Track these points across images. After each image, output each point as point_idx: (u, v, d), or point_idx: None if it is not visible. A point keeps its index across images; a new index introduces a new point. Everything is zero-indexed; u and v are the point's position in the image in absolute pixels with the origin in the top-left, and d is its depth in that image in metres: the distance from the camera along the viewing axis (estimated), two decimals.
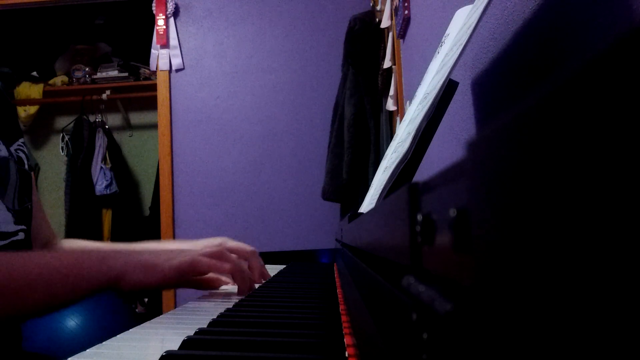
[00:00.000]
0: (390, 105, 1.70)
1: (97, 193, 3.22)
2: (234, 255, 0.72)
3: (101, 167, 3.26)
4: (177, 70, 2.67)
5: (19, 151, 0.85)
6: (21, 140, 0.87)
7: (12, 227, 0.79)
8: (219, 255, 0.69)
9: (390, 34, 1.73)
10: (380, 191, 0.66)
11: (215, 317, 0.52)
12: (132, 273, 0.62)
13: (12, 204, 0.80)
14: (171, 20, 2.68)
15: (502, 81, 0.65)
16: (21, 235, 0.81)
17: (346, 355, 0.38)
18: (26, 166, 0.86)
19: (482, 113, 0.75)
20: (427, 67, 0.72)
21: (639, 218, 0.06)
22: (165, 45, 2.67)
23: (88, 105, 3.36)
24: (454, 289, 0.14)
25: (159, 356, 0.36)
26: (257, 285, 0.85)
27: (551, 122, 0.08)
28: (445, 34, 0.68)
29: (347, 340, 0.42)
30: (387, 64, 1.74)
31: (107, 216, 3.31)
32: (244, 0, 2.67)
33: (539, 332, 0.09)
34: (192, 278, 0.68)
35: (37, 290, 0.60)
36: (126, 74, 3.36)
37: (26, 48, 3.54)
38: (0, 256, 0.61)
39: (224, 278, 0.77)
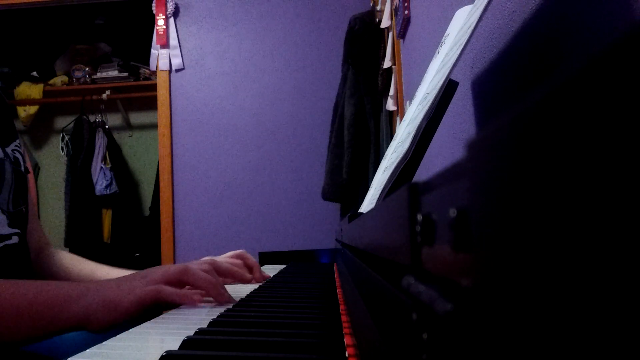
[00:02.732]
0: (390, 105, 1.70)
1: (97, 193, 3.22)
2: (201, 274, 0.65)
3: (101, 167, 3.26)
4: (177, 70, 2.67)
5: (15, 152, 0.84)
6: (17, 141, 0.86)
7: (6, 230, 0.77)
8: (182, 274, 0.64)
9: (390, 34, 1.73)
10: (380, 191, 0.66)
11: (215, 317, 0.52)
12: (96, 314, 0.59)
13: (7, 205, 0.78)
14: (171, 20, 2.68)
15: (502, 81, 0.65)
16: (15, 239, 0.78)
17: (346, 355, 0.38)
18: (22, 167, 0.84)
19: (482, 113, 0.75)
20: (427, 67, 0.72)
21: (638, 218, 0.06)
22: (165, 45, 2.67)
23: (88, 105, 3.36)
24: (454, 289, 0.14)
25: (159, 356, 0.36)
26: (257, 285, 0.85)
27: (551, 123, 0.08)
28: (445, 34, 0.68)
29: (347, 340, 0.42)
30: (387, 64, 1.74)
31: (107, 216, 3.31)
32: (244, 0, 2.67)
33: (538, 332, 0.09)
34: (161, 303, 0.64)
35: None
36: (126, 74, 3.36)
37: (26, 48, 3.54)
38: None
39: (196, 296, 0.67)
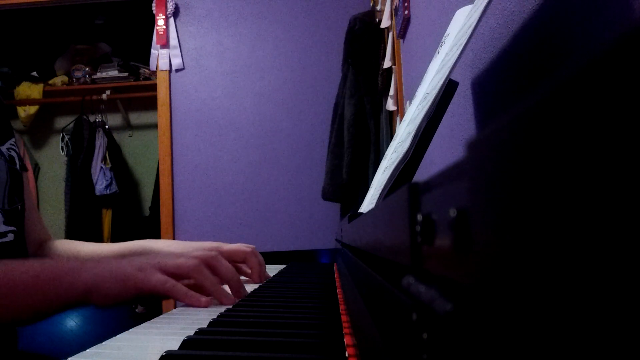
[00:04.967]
0: (390, 105, 1.70)
1: (97, 193, 3.22)
2: (212, 277, 0.65)
3: (101, 167, 3.26)
4: (177, 70, 2.67)
5: (10, 150, 0.84)
6: (13, 139, 0.86)
7: (1, 228, 0.77)
8: (194, 272, 0.63)
9: (390, 34, 1.73)
10: (380, 191, 0.66)
11: (215, 317, 0.52)
12: (103, 285, 0.58)
13: (2, 203, 0.78)
14: (171, 20, 2.68)
15: (502, 81, 0.65)
16: (10, 237, 0.78)
17: (346, 355, 0.38)
18: (17, 166, 0.85)
19: (482, 113, 0.75)
20: (427, 67, 0.72)
21: (639, 218, 0.06)
22: (165, 45, 2.67)
23: (88, 105, 3.36)
24: (454, 289, 0.14)
25: (159, 356, 0.36)
26: (257, 285, 0.85)
27: (551, 123, 0.08)
28: (445, 34, 0.68)
29: (347, 340, 0.42)
30: (387, 64, 1.74)
31: (107, 216, 3.31)
32: (244, 0, 2.67)
33: (538, 331, 0.09)
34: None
35: None
36: (126, 74, 3.36)
37: (26, 48, 3.54)
38: None
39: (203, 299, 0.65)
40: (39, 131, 3.58)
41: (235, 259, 0.92)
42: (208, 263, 0.66)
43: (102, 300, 0.59)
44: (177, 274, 0.62)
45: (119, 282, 0.58)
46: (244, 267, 0.95)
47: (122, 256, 0.84)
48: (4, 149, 0.82)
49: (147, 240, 0.93)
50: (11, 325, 0.58)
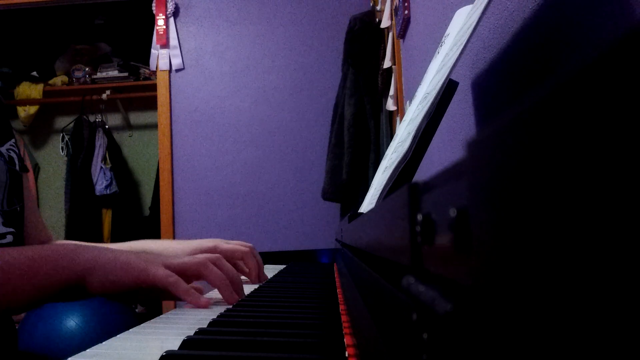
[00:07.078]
0: (390, 105, 1.70)
1: (97, 193, 3.22)
2: (219, 272, 0.64)
3: (101, 167, 3.26)
4: (177, 70, 2.67)
5: (10, 151, 0.84)
6: (13, 140, 0.86)
7: (1, 229, 0.77)
8: (201, 267, 0.63)
9: (390, 34, 1.73)
10: (380, 191, 0.66)
11: (215, 317, 0.52)
12: (102, 269, 0.55)
13: (1, 204, 0.78)
14: (171, 20, 2.68)
15: (502, 81, 0.65)
16: (9, 238, 0.78)
17: (346, 355, 0.38)
18: (17, 167, 0.85)
19: (482, 113, 0.75)
20: (427, 67, 0.72)
21: (639, 218, 0.06)
22: (165, 45, 2.67)
23: (88, 105, 3.36)
24: (454, 289, 0.14)
25: (159, 356, 0.36)
26: (257, 285, 0.85)
27: (551, 123, 0.08)
28: (445, 34, 0.68)
29: (347, 340, 0.42)
30: (387, 64, 1.74)
31: (107, 216, 3.31)
32: (244, 0, 2.67)
33: (538, 331, 0.09)
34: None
35: None
36: (126, 74, 3.36)
37: (26, 48, 3.54)
38: None
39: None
40: (39, 131, 3.58)
41: (234, 258, 0.92)
42: (212, 263, 0.66)
43: (99, 286, 0.56)
44: (182, 273, 0.62)
45: (120, 269, 0.56)
46: (240, 263, 0.95)
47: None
48: (3, 149, 0.82)
49: (145, 240, 0.93)
50: (5, 312, 0.55)
